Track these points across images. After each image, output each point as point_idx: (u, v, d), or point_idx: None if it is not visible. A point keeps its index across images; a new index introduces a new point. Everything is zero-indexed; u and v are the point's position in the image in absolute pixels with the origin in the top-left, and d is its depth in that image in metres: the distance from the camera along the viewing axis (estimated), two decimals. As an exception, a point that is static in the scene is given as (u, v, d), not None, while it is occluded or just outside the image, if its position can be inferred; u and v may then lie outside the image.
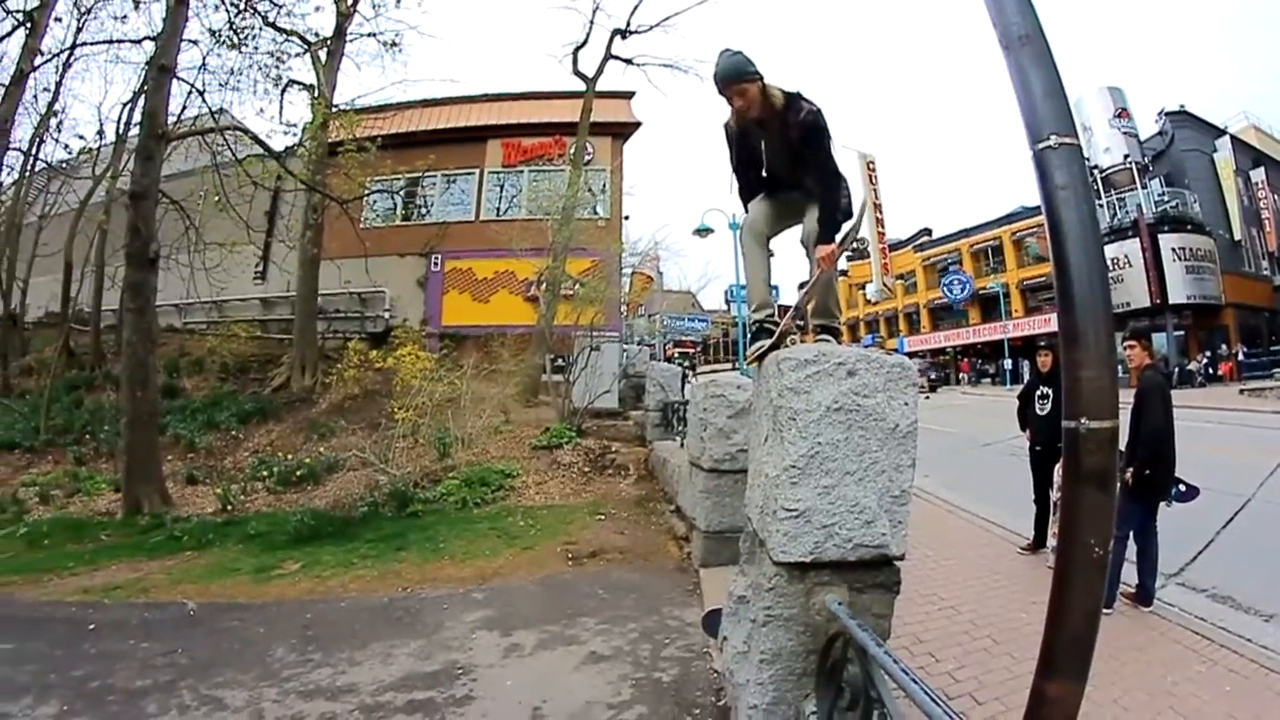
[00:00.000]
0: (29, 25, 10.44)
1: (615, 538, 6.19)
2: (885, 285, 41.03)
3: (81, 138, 16.90)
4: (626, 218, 17.42)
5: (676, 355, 37.25)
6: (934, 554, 5.52)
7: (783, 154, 2.97)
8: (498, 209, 17.12)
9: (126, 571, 6.86)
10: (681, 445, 6.93)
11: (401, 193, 16.72)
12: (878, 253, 39.83)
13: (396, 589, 5.52)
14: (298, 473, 9.73)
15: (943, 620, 4.15)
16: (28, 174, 16.52)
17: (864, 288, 44.58)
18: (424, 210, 17.26)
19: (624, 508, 7.16)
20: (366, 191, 13.97)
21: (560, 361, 11.98)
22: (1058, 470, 4.96)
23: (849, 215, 3.00)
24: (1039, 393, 5.64)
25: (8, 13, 10.12)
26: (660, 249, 21.96)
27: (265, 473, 10.05)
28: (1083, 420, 1.54)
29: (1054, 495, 5.09)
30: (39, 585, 6.63)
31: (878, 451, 2.31)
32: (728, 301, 36.14)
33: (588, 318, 11.41)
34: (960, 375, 37.26)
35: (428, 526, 7.21)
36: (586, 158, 15.51)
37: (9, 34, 10.64)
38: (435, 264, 16.58)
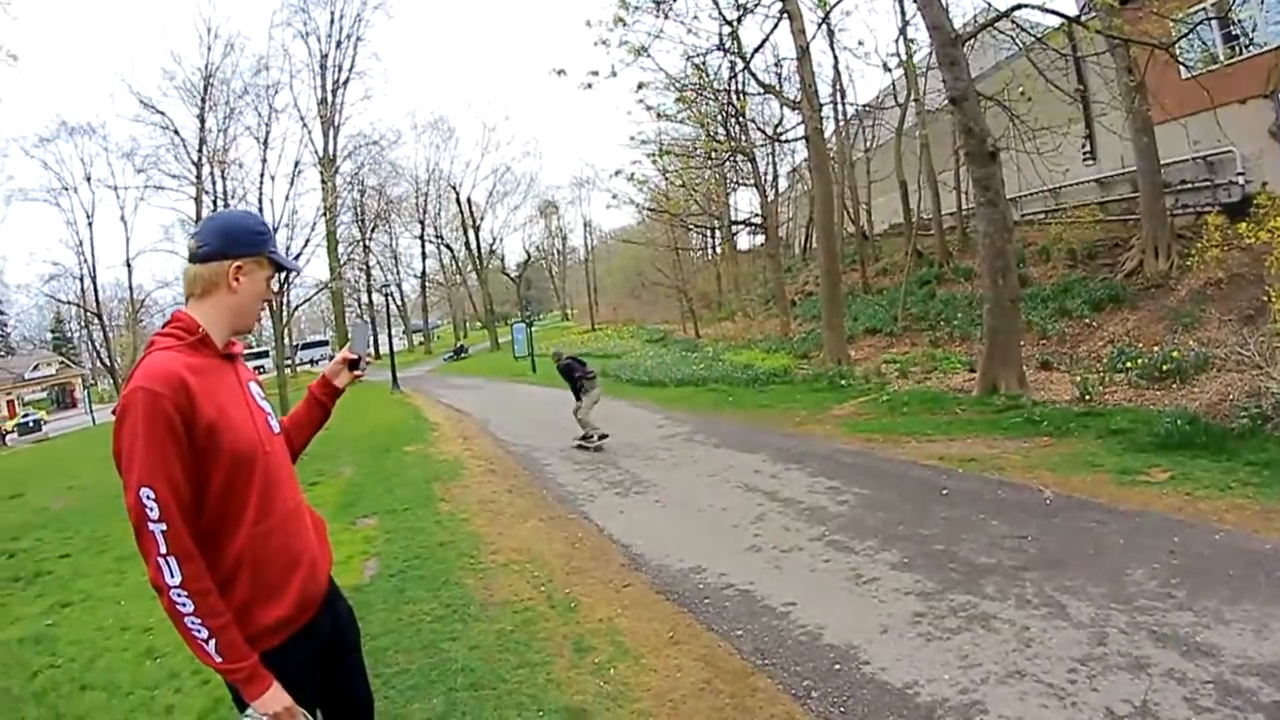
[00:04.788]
0: (787, 15, 12.84)
1: None
2: None
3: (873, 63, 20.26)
4: None
5: None
6: None
7: None
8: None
9: (981, 446, 6.74)
10: None
11: (1213, 22, 11.65)
12: None
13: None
14: (1163, 366, 8.48)
15: None
16: (842, 120, 21.29)
17: None
18: (1247, 40, 11.51)
19: None
20: (1185, 31, 10.77)
21: None
22: None
23: None
24: None
25: (764, 14, 13.37)
26: None
27: (1126, 364, 9.05)
28: None
29: None
30: (897, 445, 7.06)
31: None
32: None
33: None
34: None
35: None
36: None
37: (775, 27, 14.24)
38: (1286, 105, 10.91)
